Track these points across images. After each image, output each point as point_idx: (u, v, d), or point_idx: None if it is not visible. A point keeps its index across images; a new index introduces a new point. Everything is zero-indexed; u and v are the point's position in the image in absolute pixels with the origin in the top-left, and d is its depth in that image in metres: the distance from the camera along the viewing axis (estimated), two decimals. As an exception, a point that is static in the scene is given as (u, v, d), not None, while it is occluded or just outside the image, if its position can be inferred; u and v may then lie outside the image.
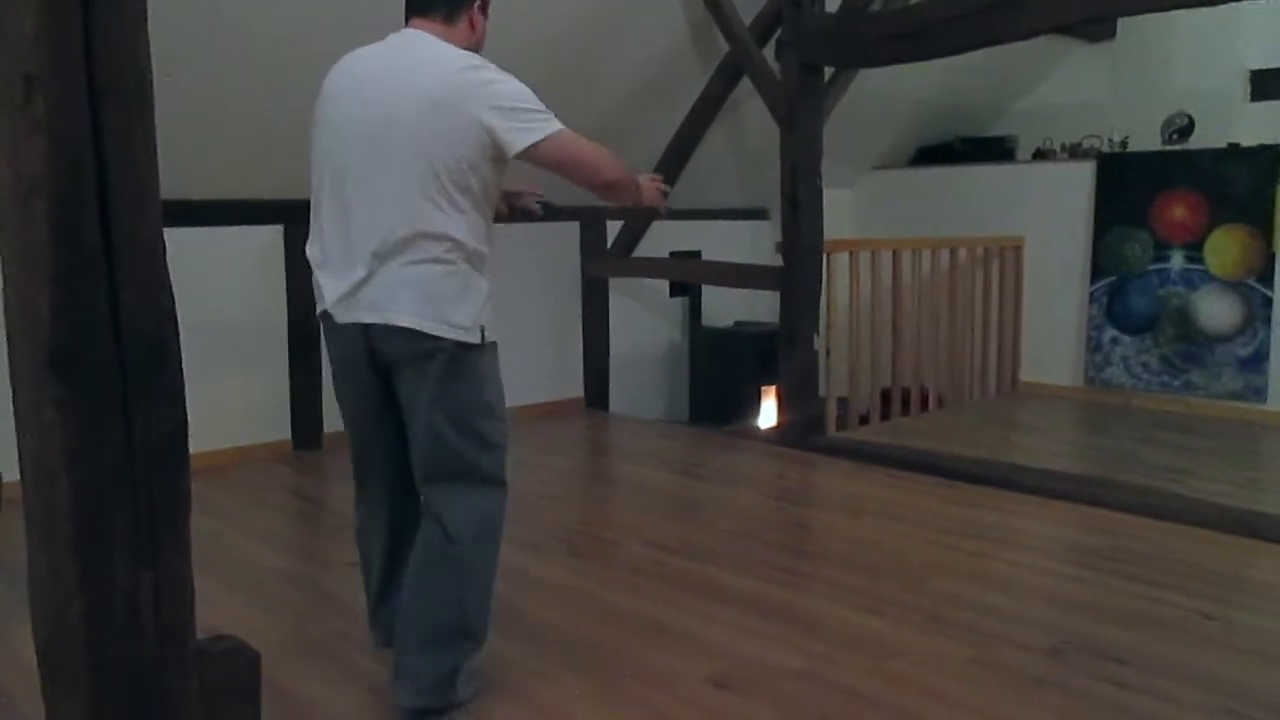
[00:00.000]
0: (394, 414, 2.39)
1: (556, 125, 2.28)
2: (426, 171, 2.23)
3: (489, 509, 2.37)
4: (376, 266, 2.25)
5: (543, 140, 2.25)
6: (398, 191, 2.25)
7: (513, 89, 2.28)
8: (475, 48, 2.39)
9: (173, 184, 4.14)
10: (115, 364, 1.27)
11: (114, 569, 1.29)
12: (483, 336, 2.31)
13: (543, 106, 2.29)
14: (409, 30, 2.37)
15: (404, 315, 2.25)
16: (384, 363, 2.33)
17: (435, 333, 2.25)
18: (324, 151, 2.36)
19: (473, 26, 2.41)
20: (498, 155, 2.28)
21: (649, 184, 2.63)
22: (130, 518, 1.29)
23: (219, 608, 2.87)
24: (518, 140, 2.25)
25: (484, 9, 2.44)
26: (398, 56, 2.32)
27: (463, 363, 2.29)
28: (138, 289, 1.28)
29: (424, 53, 2.31)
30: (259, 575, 3.22)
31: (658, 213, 2.77)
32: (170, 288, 1.33)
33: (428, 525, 2.34)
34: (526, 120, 2.26)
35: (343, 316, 2.32)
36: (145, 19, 1.26)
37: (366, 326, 2.29)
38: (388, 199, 2.25)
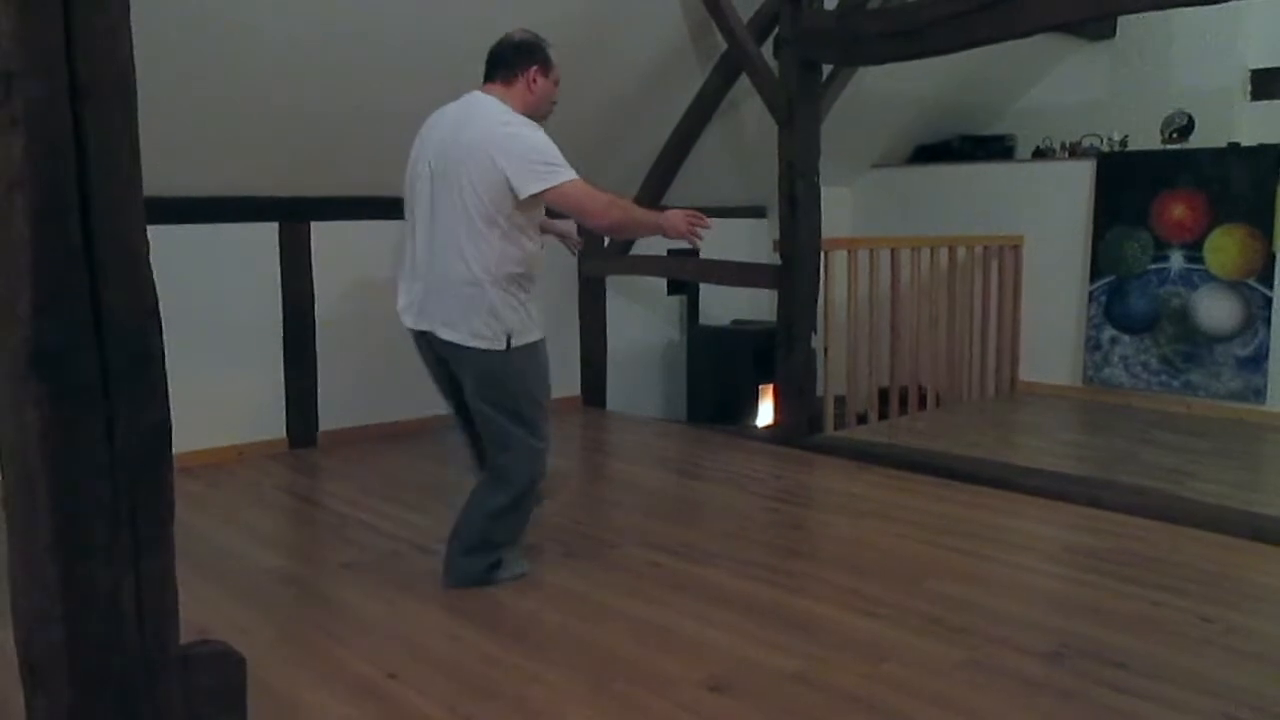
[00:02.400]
0: (459, 389, 3.01)
1: (566, 176, 2.76)
2: (463, 210, 2.77)
3: (522, 467, 2.95)
4: (429, 284, 2.87)
5: (548, 189, 2.76)
6: (445, 225, 2.81)
7: (531, 141, 2.77)
8: (533, 105, 2.90)
9: (167, 181, 4.14)
10: (97, 364, 1.25)
11: (95, 572, 1.27)
12: (508, 344, 2.84)
13: (557, 158, 2.78)
14: (476, 92, 2.93)
15: (444, 328, 2.84)
16: (442, 356, 2.94)
17: (466, 344, 2.83)
18: (407, 187, 2.96)
19: (530, 88, 2.90)
20: (517, 196, 2.76)
21: (678, 218, 3.02)
22: (112, 520, 1.27)
23: (211, 607, 2.86)
24: (525, 186, 2.75)
25: (544, 71, 2.92)
26: (461, 113, 2.88)
27: (491, 363, 2.85)
28: (120, 288, 1.26)
29: (478, 111, 2.85)
30: (252, 574, 3.20)
31: (690, 244, 3.16)
32: (154, 287, 1.31)
33: (489, 474, 3.00)
34: (539, 169, 2.74)
35: (407, 322, 2.95)
36: (128, 16, 1.24)
37: (426, 331, 2.90)
38: (438, 231, 2.83)
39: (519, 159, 2.74)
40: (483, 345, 2.82)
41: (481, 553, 3.02)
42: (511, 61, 2.90)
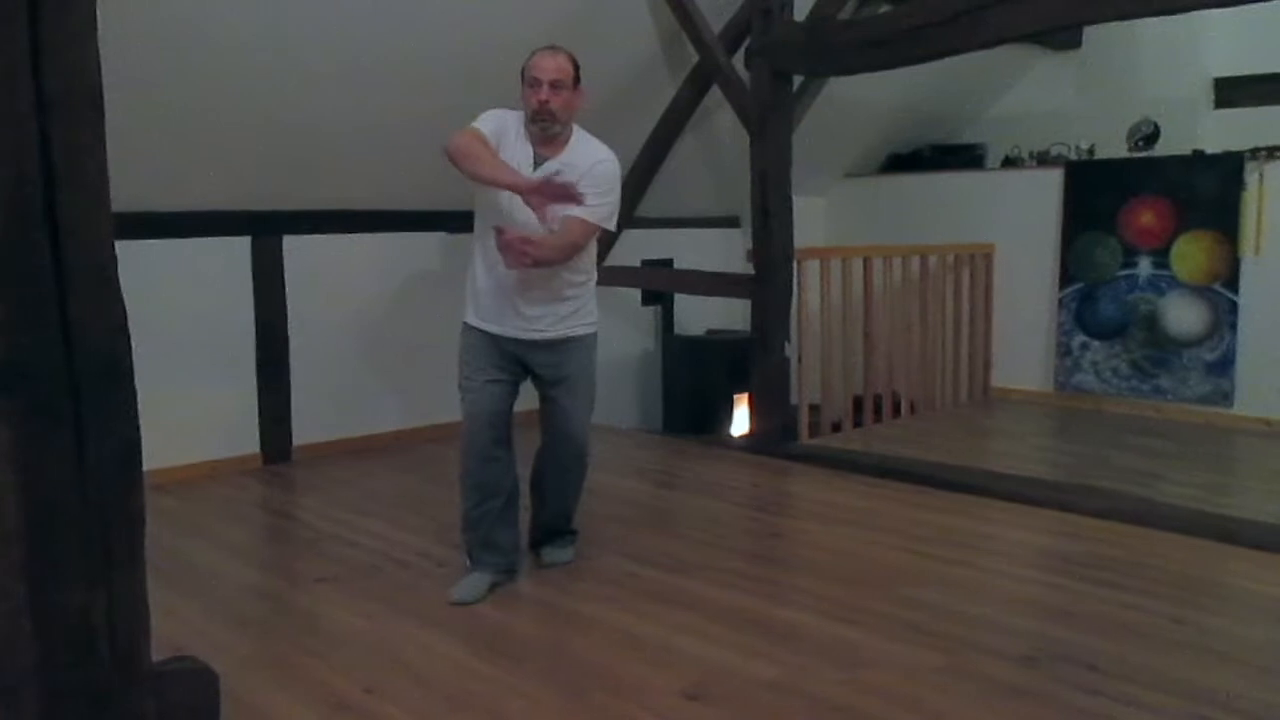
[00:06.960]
0: None
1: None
2: None
3: None
4: None
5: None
6: None
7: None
8: (526, 109, 3.04)
9: (139, 196, 4.10)
10: (66, 381, 1.24)
11: (66, 590, 1.26)
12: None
13: (477, 122, 2.96)
14: None
15: None
16: None
17: None
18: None
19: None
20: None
21: (535, 192, 2.84)
22: (82, 538, 1.26)
23: (185, 623, 2.83)
24: None
25: (523, 80, 3.04)
26: None
27: None
28: (89, 304, 1.25)
29: None
30: (226, 590, 3.17)
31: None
32: (123, 303, 1.30)
33: None
34: None
35: None
36: (95, 29, 1.24)
37: None
38: None
39: None
40: None
41: None
42: None
